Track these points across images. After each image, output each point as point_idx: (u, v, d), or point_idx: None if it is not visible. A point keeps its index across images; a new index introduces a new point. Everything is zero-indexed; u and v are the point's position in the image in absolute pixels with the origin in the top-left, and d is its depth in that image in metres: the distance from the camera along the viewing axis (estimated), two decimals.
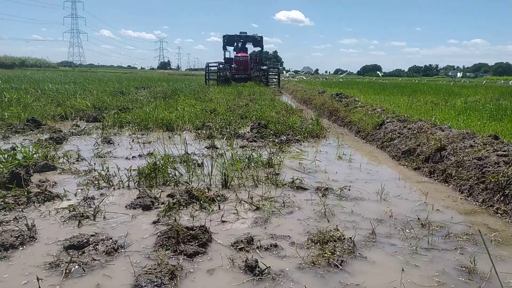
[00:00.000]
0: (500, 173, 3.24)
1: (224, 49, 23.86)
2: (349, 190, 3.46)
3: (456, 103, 9.39)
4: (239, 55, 22.66)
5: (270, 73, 23.16)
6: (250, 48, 25.05)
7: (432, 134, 4.81)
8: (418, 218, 2.82)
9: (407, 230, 2.61)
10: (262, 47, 24.37)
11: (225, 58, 23.85)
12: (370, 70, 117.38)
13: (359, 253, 2.26)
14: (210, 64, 22.87)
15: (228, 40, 23.75)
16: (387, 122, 6.23)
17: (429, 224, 2.71)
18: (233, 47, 24.48)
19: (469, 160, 3.71)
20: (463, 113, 7.19)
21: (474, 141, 4.08)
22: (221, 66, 22.18)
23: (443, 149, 4.25)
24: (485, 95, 12.91)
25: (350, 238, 2.38)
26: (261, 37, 23.83)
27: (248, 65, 22.44)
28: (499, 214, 2.96)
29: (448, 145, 4.25)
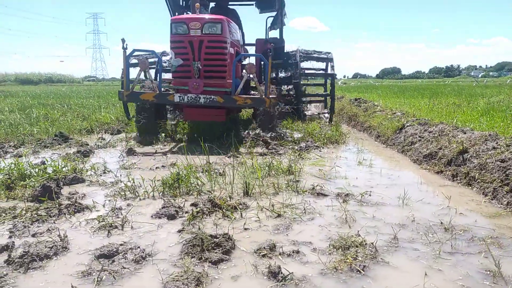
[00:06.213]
0: None
1: (173, 13, 7.49)
2: (370, 195, 3.47)
3: (478, 104, 9.20)
4: (190, 17, 5.83)
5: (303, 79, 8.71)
6: (246, 15, 9.14)
7: (453, 137, 4.75)
8: (441, 222, 2.80)
9: (430, 235, 2.60)
10: (282, 15, 7.93)
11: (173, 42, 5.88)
12: (389, 73, 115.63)
13: (381, 258, 2.27)
14: (131, 55, 5.95)
15: None
16: (408, 126, 6.18)
17: (452, 228, 2.70)
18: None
19: (492, 163, 3.65)
20: (485, 114, 7.04)
21: (497, 143, 4.02)
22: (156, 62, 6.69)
23: (465, 152, 4.19)
24: (510, 94, 12.58)
25: (372, 243, 2.40)
26: None
27: (226, 53, 5.84)
28: None
29: (470, 148, 4.20)
